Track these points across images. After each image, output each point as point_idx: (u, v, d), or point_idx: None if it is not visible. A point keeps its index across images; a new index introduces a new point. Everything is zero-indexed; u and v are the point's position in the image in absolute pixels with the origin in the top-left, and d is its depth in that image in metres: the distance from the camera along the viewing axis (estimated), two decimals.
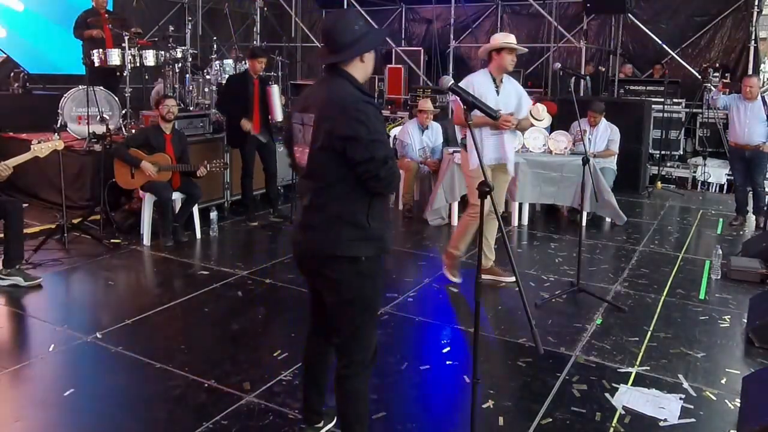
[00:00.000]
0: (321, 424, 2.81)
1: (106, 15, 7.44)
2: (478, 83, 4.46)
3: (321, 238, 2.40)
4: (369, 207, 2.38)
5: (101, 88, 6.97)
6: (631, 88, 9.96)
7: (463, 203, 6.66)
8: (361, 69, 2.45)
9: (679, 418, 3.06)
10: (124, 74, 6.95)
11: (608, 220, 6.72)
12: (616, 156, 7.27)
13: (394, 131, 7.91)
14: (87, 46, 7.26)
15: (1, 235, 4.67)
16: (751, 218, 7.05)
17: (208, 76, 7.46)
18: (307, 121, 2.41)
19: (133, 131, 6.68)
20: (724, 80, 8.35)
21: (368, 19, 2.72)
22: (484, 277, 4.78)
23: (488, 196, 2.37)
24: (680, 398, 3.24)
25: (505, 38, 4.53)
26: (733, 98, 6.88)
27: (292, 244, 2.54)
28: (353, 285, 2.42)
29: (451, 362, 3.62)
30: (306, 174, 2.44)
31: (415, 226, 6.55)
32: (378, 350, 2.57)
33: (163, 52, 7.16)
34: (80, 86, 6.85)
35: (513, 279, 4.79)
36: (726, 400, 3.24)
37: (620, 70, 10.81)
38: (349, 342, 2.49)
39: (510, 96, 4.60)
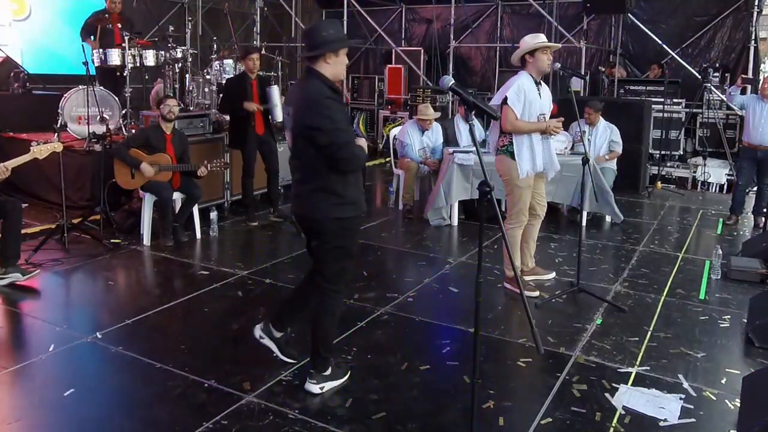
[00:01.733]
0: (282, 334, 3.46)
1: (118, 15, 7.47)
2: (528, 89, 4.39)
3: (307, 206, 3.11)
4: (345, 179, 3.03)
5: (101, 88, 6.98)
6: (631, 88, 9.96)
7: (463, 205, 6.68)
8: (328, 68, 3.01)
9: (679, 418, 3.06)
10: (125, 74, 6.95)
11: (608, 219, 6.72)
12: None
13: (394, 131, 7.91)
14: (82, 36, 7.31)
15: None
16: (747, 218, 7.05)
17: (208, 76, 7.46)
18: (289, 112, 3.07)
19: (134, 131, 6.68)
20: (744, 76, 8.29)
21: (342, 29, 3.20)
22: (527, 278, 4.81)
23: (489, 196, 2.36)
24: (680, 398, 3.24)
25: (535, 39, 4.41)
26: (751, 98, 6.84)
27: (292, 209, 3.27)
28: (337, 239, 3.10)
29: (451, 362, 3.62)
30: (292, 155, 3.14)
31: (415, 226, 6.55)
32: (349, 280, 3.33)
33: (163, 52, 7.16)
34: (80, 86, 6.84)
35: (553, 275, 5.00)
36: (726, 400, 3.24)
37: (616, 71, 10.81)
38: (328, 278, 3.18)
39: (546, 98, 4.57)
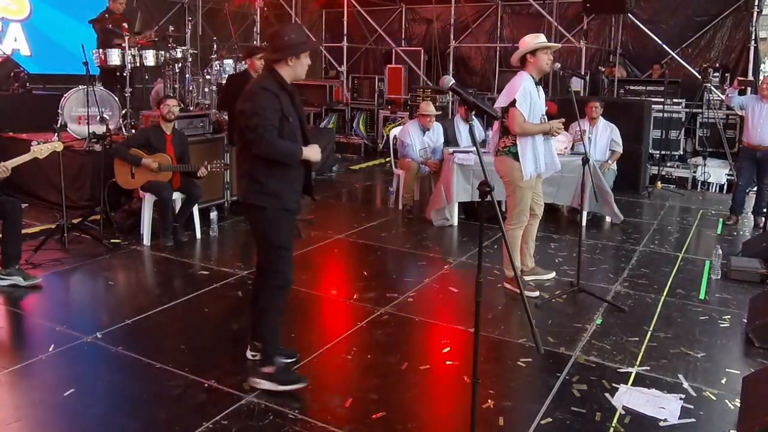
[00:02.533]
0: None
1: (121, 15, 7.47)
2: (531, 89, 4.38)
3: (238, 189, 3.29)
4: (268, 169, 3.11)
5: (101, 87, 6.98)
6: (631, 88, 9.96)
7: (463, 205, 6.68)
8: (288, 70, 3.16)
9: (679, 418, 3.06)
10: (125, 74, 6.95)
11: (608, 219, 6.72)
12: None
13: (395, 131, 7.90)
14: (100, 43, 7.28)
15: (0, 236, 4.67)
16: (747, 218, 7.05)
17: (208, 76, 7.47)
18: None
19: (134, 131, 6.67)
20: (740, 78, 8.30)
21: (307, 33, 3.30)
22: (527, 278, 4.80)
23: (489, 196, 2.36)
24: (680, 398, 3.24)
25: (536, 39, 4.41)
26: (750, 98, 6.85)
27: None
28: (261, 228, 3.21)
29: (451, 362, 3.62)
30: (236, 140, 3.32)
31: (415, 226, 6.55)
32: (290, 278, 3.29)
33: (163, 52, 7.16)
34: (80, 86, 6.84)
35: (553, 274, 4.99)
36: (726, 400, 3.24)
37: (616, 71, 10.82)
38: (264, 268, 3.31)
39: (542, 98, 4.57)
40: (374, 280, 4.95)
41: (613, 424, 3.01)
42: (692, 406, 3.17)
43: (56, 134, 6.53)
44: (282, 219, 3.19)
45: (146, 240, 5.66)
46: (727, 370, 3.58)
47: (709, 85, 8.92)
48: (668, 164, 9.30)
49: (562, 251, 5.76)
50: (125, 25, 7.20)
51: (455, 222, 6.58)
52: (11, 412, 3.02)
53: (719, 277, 5.07)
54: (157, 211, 5.70)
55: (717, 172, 8.87)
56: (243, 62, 7.40)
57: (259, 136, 3.01)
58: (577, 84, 9.90)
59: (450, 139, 7.31)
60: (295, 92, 3.23)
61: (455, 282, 4.93)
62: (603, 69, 10.83)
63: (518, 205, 4.52)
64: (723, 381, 3.45)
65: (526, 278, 4.82)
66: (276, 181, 3.12)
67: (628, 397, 3.23)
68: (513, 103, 4.33)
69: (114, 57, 6.91)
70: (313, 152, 3.20)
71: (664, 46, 9.86)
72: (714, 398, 3.27)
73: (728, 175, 8.77)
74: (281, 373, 3.26)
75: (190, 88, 7.31)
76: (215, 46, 8.02)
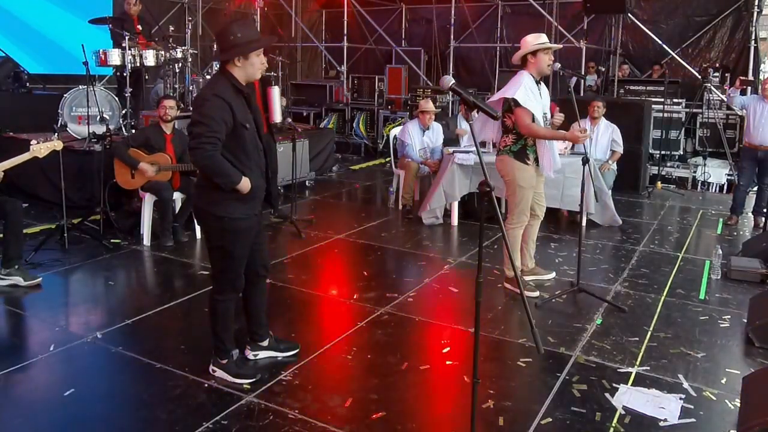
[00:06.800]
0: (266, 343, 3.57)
1: (137, 18, 7.50)
2: (531, 89, 4.34)
3: (195, 197, 3.25)
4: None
5: (101, 87, 6.98)
6: (631, 88, 9.97)
7: (463, 205, 6.67)
8: (238, 70, 3.07)
9: (679, 418, 3.06)
10: (125, 74, 6.95)
11: None
12: None
13: (394, 131, 7.91)
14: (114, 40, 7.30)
15: (1, 235, 4.66)
16: (747, 218, 7.06)
17: (208, 76, 7.47)
18: None
19: (134, 131, 6.67)
20: (742, 77, 8.31)
21: (253, 28, 3.32)
22: (527, 278, 4.80)
23: (489, 196, 2.36)
24: (680, 398, 3.24)
25: (537, 39, 4.37)
26: (751, 98, 6.84)
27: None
28: (216, 236, 3.15)
29: (451, 362, 3.62)
30: None
31: (415, 226, 6.55)
32: (239, 285, 3.27)
33: (163, 52, 7.16)
34: (80, 86, 6.84)
35: (553, 275, 4.99)
36: (726, 400, 3.24)
37: (618, 69, 10.83)
38: (213, 275, 3.29)
39: (546, 97, 4.53)
40: (374, 280, 4.95)
41: (613, 424, 3.01)
42: (692, 406, 3.17)
43: (56, 134, 6.53)
44: (240, 227, 3.13)
45: (146, 240, 5.66)
46: (727, 370, 3.58)
47: (709, 85, 8.93)
48: (668, 164, 9.31)
49: (562, 251, 5.76)
50: (139, 27, 7.21)
51: (455, 222, 6.57)
52: (11, 411, 3.02)
53: (719, 277, 5.06)
54: (157, 211, 5.70)
55: (717, 172, 8.87)
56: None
57: (200, 146, 2.93)
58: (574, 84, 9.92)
59: (452, 134, 7.32)
60: (251, 95, 3.15)
61: (455, 282, 4.93)
62: (602, 68, 10.84)
63: (519, 204, 4.52)
64: (723, 381, 3.45)
65: (526, 278, 4.82)
66: (235, 190, 3.04)
67: (628, 397, 3.23)
68: (517, 104, 4.30)
69: (114, 57, 6.91)
70: (245, 185, 3.05)
71: (664, 46, 9.87)
72: (714, 398, 3.27)
73: (728, 175, 8.78)
74: (235, 366, 3.33)
75: (191, 88, 7.31)
76: (215, 46, 8.02)
